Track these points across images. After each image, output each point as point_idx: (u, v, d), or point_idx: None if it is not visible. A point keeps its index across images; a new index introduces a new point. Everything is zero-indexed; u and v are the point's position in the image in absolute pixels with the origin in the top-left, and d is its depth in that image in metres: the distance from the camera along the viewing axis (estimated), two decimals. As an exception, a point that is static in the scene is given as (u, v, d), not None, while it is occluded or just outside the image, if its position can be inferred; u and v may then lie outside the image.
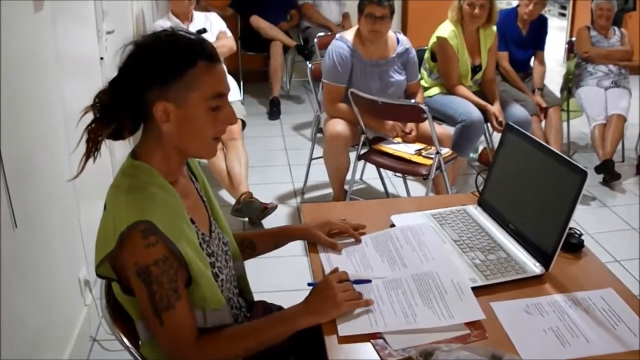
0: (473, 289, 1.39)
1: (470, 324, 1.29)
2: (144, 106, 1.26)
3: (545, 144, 1.63)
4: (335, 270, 1.43)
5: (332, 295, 1.30)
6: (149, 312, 1.24)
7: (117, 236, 1.20)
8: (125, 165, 1.32)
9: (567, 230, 1.45)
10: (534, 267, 1.50)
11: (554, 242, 1.46)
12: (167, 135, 1.29)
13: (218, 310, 1.32)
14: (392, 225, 1.72)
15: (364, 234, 1.67)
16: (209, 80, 1.27)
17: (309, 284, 1.39)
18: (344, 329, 1.28)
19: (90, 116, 1.29)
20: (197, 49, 1.27)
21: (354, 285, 1.37)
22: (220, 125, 1.31)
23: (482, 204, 1.81)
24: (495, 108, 3.72)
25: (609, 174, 3.96)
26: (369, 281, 1.42)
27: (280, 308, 1.62)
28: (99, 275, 1.30)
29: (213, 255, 1.39)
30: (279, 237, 1.71)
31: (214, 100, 1.27)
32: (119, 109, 1.27)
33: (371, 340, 1.25)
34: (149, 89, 1.25)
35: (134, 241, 1.20)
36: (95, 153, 1.28)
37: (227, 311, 1.36)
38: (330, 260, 1.55)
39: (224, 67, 1.36)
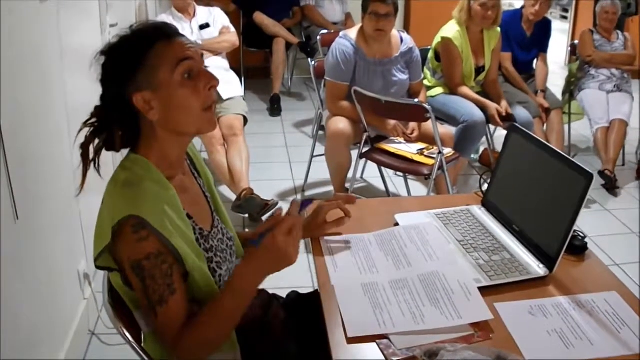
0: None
1: (475, 325, 1.29)
2: (127, 106, 1.27)
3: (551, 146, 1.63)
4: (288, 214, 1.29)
5: (283, 255, 1.24)
6: (145, 305, 1.25)
7: (111, 230, 1.21)
8: (124, 159, 1.33)
9: (571, 233, 1.45)
10: (538, 268, 1.50)
11: (558, 244, 1.46)
12: (158, 124, 1.29)
13: None
14: (396, 224, 1.72)
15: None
16: (169, 52, 1.27)
17: (251, 242, 1.31)
18: (352, 330, 1.28)
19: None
20: (152, 32, 1.29)
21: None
22: (203, 91, 1.29)
23: (486, 204, 1.80)
24: (501, 106, 3.70)
25: (609, 182, 3.98)
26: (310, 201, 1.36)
27: (280, 299, 1.63)
28: (98, 267, 1.30)
29: (211, 250, 1.38)
30: None
31: (180, 66, 1.26)
32: (107, 117, 1.30)
33: (376, 340, 1.25)
34: (123, 87, 1.26)
35: (125, 235, 1.21)
36: (96, 165, 1.31)
37: None
38: (334, 260, 1.55)
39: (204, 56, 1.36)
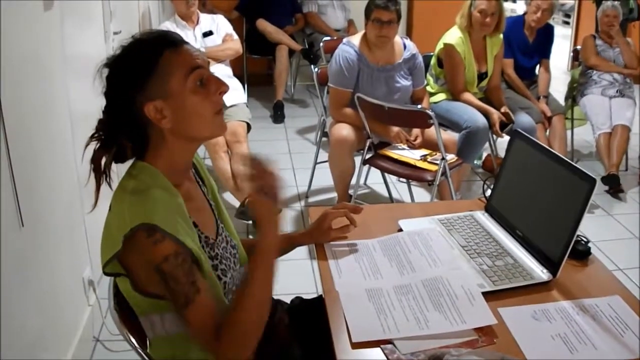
0: (481, 294, 1.39)
1: (479, 329, 1.29)
2: (137, 117, 1.27)
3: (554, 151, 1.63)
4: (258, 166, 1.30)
5: (268, 212, 1.29)
6: (177, 309, 1.23)
7: (122, 238, 1.21)
8: (131, 167, 1.33)
9: (575, 238, 1.45)
10: (541, 273, 1.50)
11: (561, 249, 1.47)
12: (170, 132, 1.29)
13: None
14: (400, 230, 1.73)
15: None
16: (179, 60, 1.27)
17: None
18: (357, 335, 1.28)
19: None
20: (159, 41, 1.29)
21: None
22: (213, 97, 1.30)
23: (489, 210, 1.81)
24: (501, 112, 3.70)
25: (614, 186, 3.97)
26: None
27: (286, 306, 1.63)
28: (106, 274, 1.30)
29: (217, 258, 1.39)
30: (286, 245, 1.71)
31: (192, 74, 1.27)
32: (114, 130, 1.30)
33: (380, 345, 1.26)
34: (133, 98, 1.26)
35: (140, 242, 1.20)
36: (108, 179, 1.31)
37: None
38: (339, 266, 1.56)
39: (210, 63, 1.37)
